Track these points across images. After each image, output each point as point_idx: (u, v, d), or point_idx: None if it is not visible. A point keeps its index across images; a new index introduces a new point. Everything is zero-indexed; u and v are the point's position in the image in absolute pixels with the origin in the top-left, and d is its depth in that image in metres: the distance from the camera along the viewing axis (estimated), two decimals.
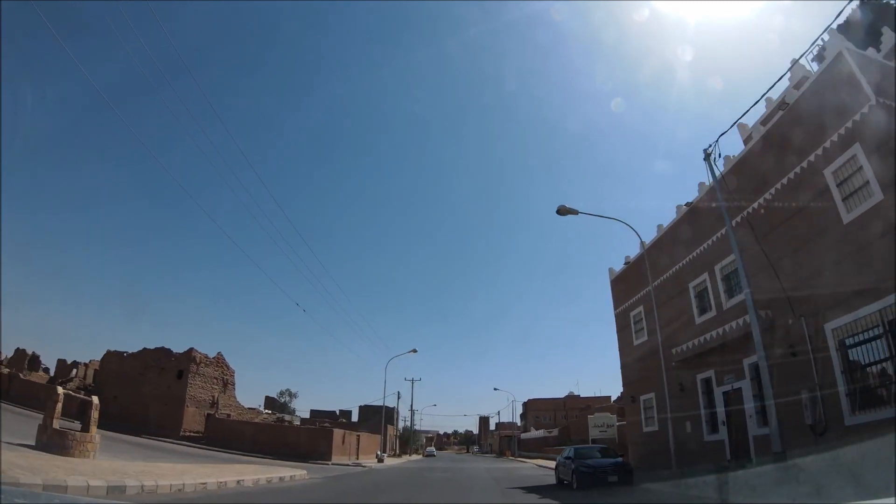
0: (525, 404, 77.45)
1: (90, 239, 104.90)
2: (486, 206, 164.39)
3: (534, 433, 58.85)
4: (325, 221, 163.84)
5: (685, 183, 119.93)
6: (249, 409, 44.19)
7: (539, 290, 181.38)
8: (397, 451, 65.33)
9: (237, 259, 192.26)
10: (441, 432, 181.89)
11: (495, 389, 65.80)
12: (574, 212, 18.27)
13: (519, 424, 76.62)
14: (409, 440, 77.05)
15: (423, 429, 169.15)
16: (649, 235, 23.20)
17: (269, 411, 45.64)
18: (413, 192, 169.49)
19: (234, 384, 42.32)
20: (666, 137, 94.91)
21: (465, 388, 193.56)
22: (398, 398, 59.53)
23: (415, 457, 69.70)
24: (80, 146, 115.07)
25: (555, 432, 51.40)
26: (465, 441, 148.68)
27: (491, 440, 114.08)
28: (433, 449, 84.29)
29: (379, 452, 48.70)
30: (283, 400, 69.49)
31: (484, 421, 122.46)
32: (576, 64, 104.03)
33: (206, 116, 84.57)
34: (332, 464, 31.20)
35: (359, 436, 39.77)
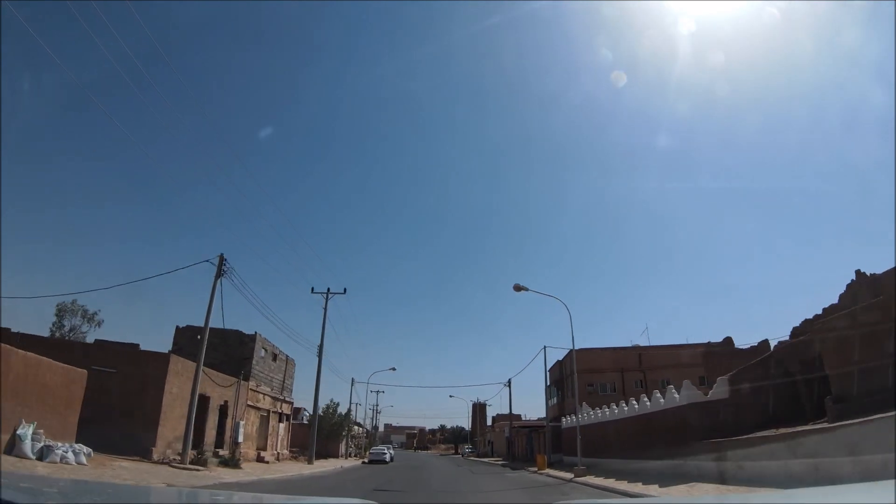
0: (561, 364, 39.43)
1: None
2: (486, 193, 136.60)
3: (639, 408, 20.54)
4: (320, 219, 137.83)
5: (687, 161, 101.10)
6: None
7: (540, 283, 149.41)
8: (277, 450, 27.47)
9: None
10: (427, 428, 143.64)
11: (521, 288, 26.67)
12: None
13: (548, 407, 38.22)
14: (323, 430, 39.63)
15: (405, 424, 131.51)
16: None
17: None
18: (412, 182, 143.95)
19: None
20: (667, 112, 78.10)
21: (455, 373, 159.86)
22: (217, 283, 19.29)
23: (334, 464, 31.96)
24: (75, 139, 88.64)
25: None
26: (453, 438, 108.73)
27: (491, 436, 74.60)
28: (385, 449, 45.35)
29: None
30: (65, 323, 32.83)
31: (479, 409, 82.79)
32: (576, 39, 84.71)
33: (197, 113, 67.13)
34: None
35: None
